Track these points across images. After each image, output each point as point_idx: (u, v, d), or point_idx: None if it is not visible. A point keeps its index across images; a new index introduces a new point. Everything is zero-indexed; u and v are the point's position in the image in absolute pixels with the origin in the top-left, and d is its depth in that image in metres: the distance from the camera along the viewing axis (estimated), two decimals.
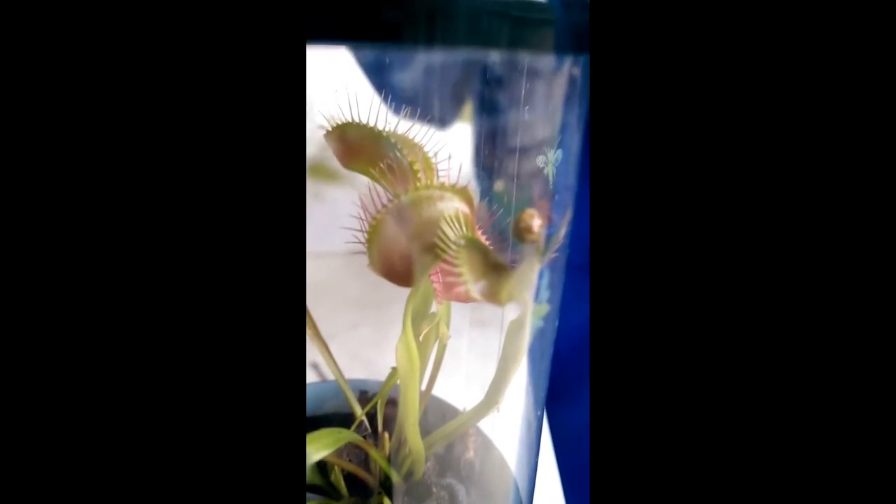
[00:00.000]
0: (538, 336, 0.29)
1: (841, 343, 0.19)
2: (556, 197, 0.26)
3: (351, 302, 0.48)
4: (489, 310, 0.32)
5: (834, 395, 0.19)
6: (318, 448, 0.27)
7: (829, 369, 0.19)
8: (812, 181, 0.19)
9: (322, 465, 0.35)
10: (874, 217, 0.19)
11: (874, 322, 0.19)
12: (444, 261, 0.25)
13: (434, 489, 0.34)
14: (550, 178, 0.26)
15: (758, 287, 0.20)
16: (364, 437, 0.37)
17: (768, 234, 0.20)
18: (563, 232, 0.26)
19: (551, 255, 0.26)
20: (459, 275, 0.25)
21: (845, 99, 0.19)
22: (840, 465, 0.19)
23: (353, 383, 0.39)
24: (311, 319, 0.36)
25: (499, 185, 0.26)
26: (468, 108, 0.32)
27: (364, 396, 0.39)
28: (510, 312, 0.31)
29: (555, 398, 0.64)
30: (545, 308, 0.28)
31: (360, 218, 0.27)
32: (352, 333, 0.47)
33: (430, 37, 0.21)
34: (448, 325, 0.34)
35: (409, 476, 0.34)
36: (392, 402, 0.38)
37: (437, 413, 0.37)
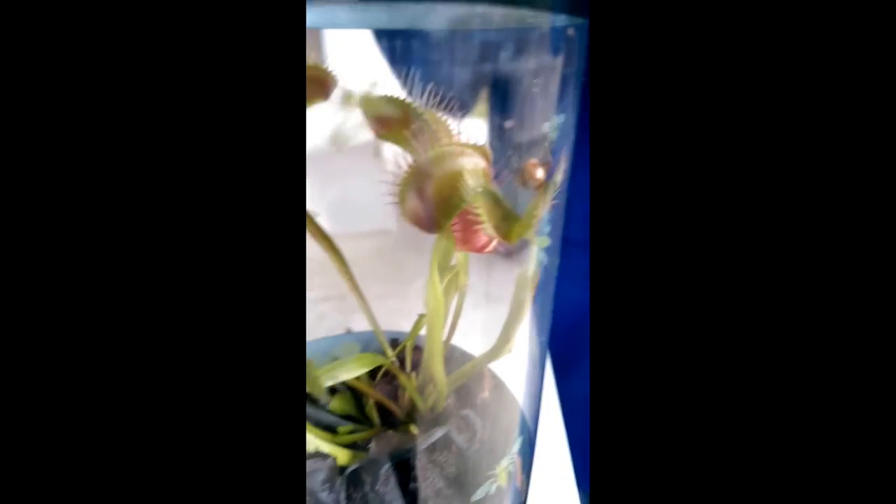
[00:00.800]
0: (542, 269, 0.34)
1: (834, 321, 0.20)
2: (555, 150, 0.31)
3: (379, 277, 0.53)
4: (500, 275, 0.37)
5: (831, 378, 0.20)
6: (359, 366, 0.33)
7: (826, 350, 0.20)
8: (810, 157, 0.19)
9: (358, 398, 0.40)
10: (874, 216, 0.19)
11: (874, 320, 0.19)
12: (465, 208, 0.31)
13: (453, 419, 0.39)
14: (553, 140, 0.31)
15: (753, 267, 0.20)
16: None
17: (764, 215, 0.20)
18: (559, 178, 0.31)
19: (551, 201, 0.31)
20: (478, 216, 0.30)
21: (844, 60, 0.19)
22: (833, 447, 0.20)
23: (386, 334, 0.44)
24: (354, 281, 0.41)
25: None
26: (482, 104, 0.38)
27: (395, 344, 0.44)
28: (518, 266, 0.36)
29: (560, 371, 0.69)
30: (546, 240, 0.33)
31: (394, 173, 0.32)
32: (380, 303, 0.52)
33: None
34: (466, 275, 0.39)
35: (432, 408, 0.40)
36: (418, 349, 0.43)
37: (456, 357, 0.42)
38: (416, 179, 0.32)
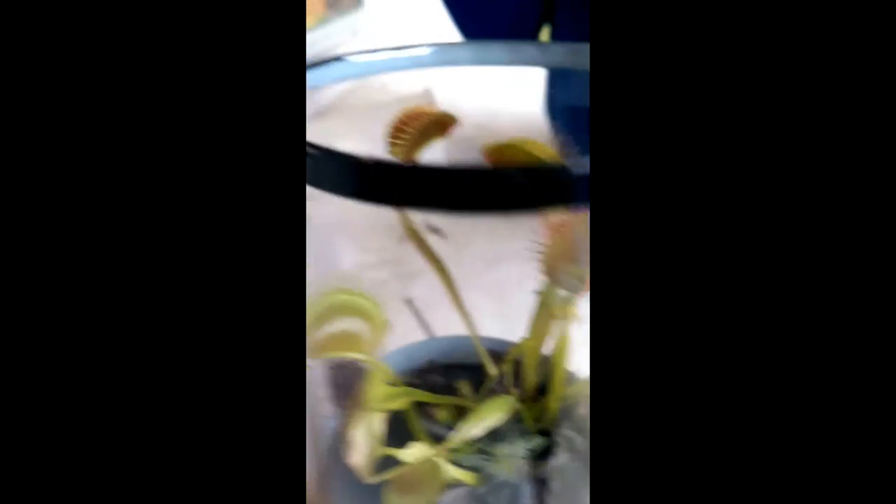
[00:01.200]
0: None
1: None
2: None
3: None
4: None
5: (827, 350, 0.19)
6: (498, 412, 0.35)
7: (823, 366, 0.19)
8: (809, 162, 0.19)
9: (462, 409, 0.43)
10: (874, 217, 0.19)
11: (874, 322, 0.19)
12: None
13: (557, 438, 0.42)
14: None
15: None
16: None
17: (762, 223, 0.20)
18: None
19: None
20: None
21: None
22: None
23: (482, 341, 0.46)
24: (449, 278, 0.42)
25: None
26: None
27: (492, 354, 0.47)
28: None
29: None
30: None
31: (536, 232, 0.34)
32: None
33: None
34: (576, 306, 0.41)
35: (537, 423, 0.43)
36: (517, 362, 0.45)
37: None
38: (562, 240, 0.33)
